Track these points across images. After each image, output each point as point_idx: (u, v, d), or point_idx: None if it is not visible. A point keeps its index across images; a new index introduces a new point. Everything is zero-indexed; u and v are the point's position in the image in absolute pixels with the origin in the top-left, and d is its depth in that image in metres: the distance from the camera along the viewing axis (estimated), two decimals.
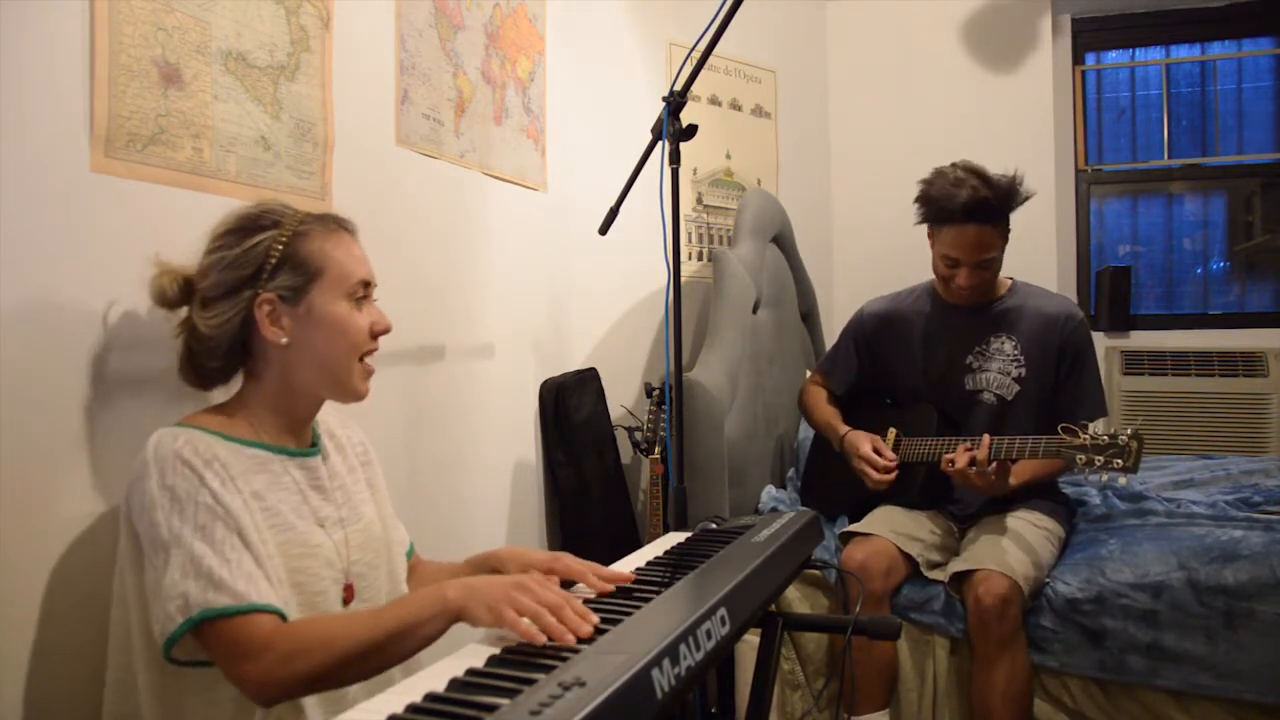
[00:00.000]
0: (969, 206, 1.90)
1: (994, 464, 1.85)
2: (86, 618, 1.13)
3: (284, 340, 1.11)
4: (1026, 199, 1.96)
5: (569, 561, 1.14)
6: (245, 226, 1.12)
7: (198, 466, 1.00)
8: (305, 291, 1.11)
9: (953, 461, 1.86)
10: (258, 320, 1.10)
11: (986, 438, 1.84)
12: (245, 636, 0.94)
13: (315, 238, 1.13)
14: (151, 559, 0.98)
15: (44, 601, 1.11)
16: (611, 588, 1.06)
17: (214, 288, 1.10)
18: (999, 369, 2.05)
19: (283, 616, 0.98)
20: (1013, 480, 1.91)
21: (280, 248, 1.11)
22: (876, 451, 2.05)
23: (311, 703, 1.07)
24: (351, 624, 0.96)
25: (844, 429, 2.16)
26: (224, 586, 0.95)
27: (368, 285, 1.17)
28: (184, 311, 1.15)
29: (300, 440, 1.18)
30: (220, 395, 1.20)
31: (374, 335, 1.18)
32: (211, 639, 0.95)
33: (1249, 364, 3.13)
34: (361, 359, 1.16)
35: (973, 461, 1.84)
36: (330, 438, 1.25)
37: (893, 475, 2.02)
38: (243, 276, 1.10)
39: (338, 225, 1.18)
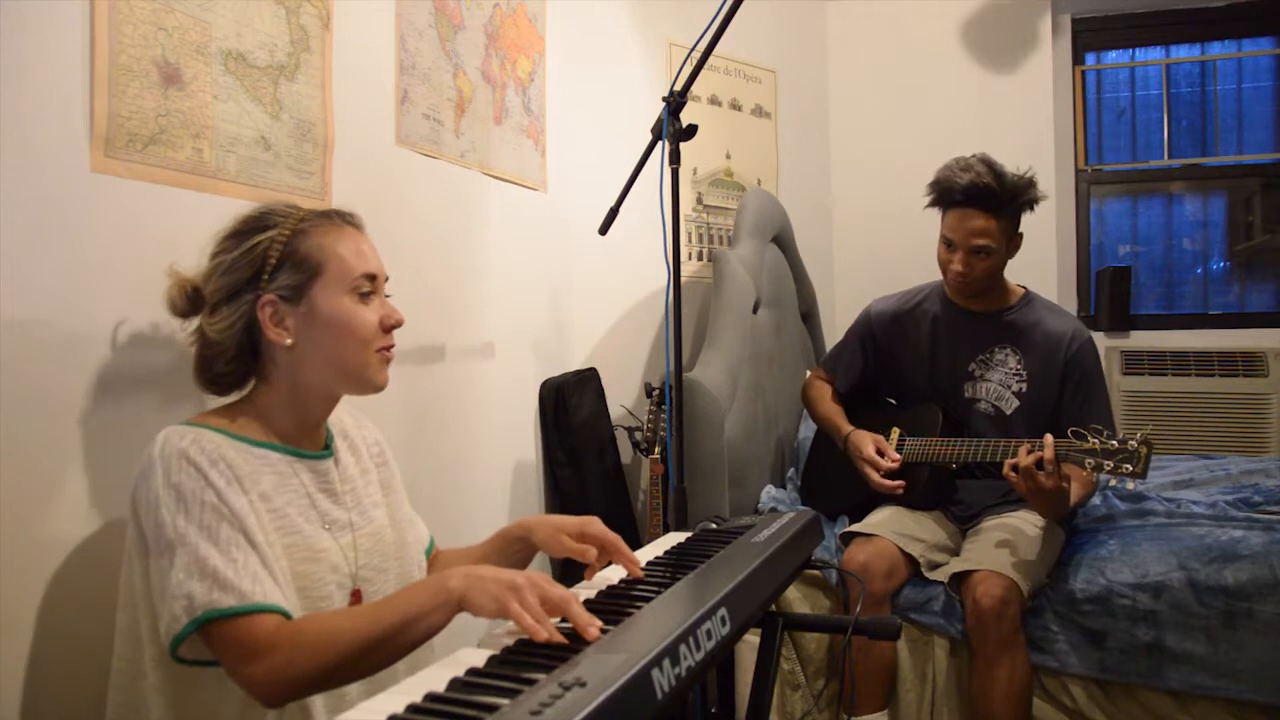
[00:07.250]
0: (969, 190, 1.91)
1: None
2: (89, 620, 1.13)
3: (288, 341, 1.09)
4: (1035, 201, 1.95)
5: (599, 527, 1.16)
6: (245, 229, 1.11)
7: (203, 466, 0.99)
8: (306, 289, 1.09)
9: (1015, 465, 1.74)
10: (261, 323, 1.09)
11: (1049, 437, 1.73)
12: (250, 637, 0.94)
13: (314, 234, 1.11)
14: (156, 558, 0.97)
15: (42, 606, 1.10)
16: (640, 571, 1.09)
17: (217, 293, 1.10)
18: (1000, 381, 2.04)
19: (287, 616, 0.97)
20: (1074, 495, 1.82)
21: (279, 247, 1.09)
22: (880, 453, 2.04)
23: (318, 699, 1.07)
24: (354, 619, 0.95)
25: (847, 428, 2.15)
26: (229, 586, 0.94)
27: (373, 279, 1.14)
28: (197, 320, 1.14)
29: (312, 442, 1.16)
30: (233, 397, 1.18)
31: (385, 329, 1.15)
32: (216, 639, 0.95)
33: (1249, 364, 3.13)
34: (377, 350, 1.14)
35: (1040, 463, 1.72)
36: (344, 438, 1.24)
37: (898, 483, 2.01)
38: (243, 279, 1.09)
39: (341, 220, 1.16)
